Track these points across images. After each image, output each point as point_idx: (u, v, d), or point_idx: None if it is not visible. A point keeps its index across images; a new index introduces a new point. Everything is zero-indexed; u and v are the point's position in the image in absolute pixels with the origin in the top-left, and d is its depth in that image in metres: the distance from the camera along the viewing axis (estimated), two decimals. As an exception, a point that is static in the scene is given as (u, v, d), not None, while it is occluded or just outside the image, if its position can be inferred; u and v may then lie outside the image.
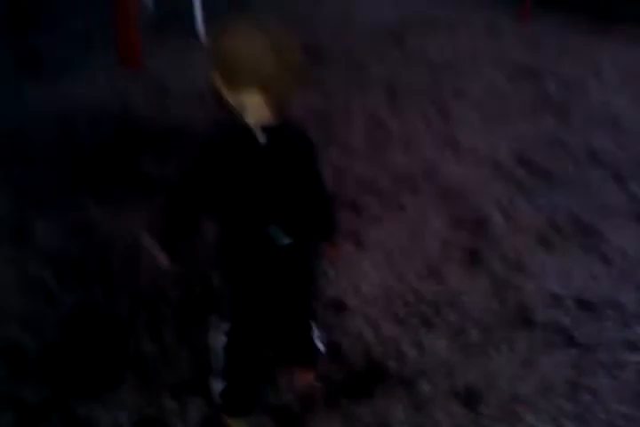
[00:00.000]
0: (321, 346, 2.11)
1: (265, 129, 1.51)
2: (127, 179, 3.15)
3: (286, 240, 1.63)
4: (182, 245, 1.68)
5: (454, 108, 4.11)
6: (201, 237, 1.79)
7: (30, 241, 2.70)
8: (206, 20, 4.89)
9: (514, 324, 2.45)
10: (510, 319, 2.47)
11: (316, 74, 4.45)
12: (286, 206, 1.63)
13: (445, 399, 2.14)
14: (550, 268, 2.77)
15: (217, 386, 1.89)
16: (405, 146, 3.66)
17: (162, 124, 3.65)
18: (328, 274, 2.62)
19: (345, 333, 2.35)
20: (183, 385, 2.10)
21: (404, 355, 2.28)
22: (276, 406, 2.06)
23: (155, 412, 2.01)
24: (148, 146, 3.42)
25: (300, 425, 2.01)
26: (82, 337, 2.24)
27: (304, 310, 1.96)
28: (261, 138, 1.51)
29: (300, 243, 1.68)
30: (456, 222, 3.02)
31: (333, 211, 1.87)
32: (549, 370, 2.26)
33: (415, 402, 2.11)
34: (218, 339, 1.82)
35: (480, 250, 2.85)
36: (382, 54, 4.87)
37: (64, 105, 3.80)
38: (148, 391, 2.08)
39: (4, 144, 3.35)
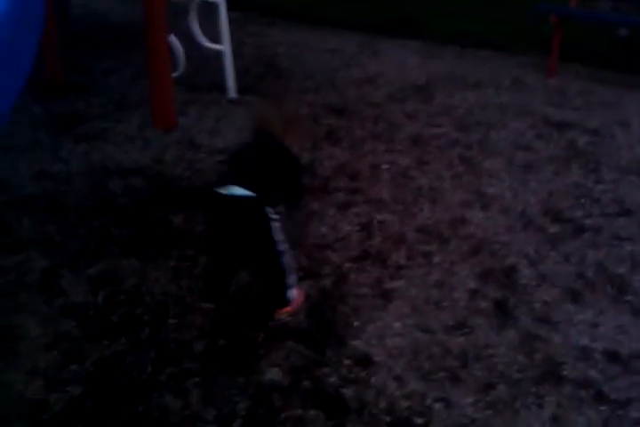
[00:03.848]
0: (292, 293, 2.53)
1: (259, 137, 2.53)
2: (156, 233, 3.13)
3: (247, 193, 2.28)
4: None
5: (482, 161, 4.04)
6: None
7: (58, 293, 2.67)
8: (236, 76, 4.97)
9: (542, 378, 2.31)
10: (539, 374, 2.33)
11: (345, 131, 4.44)
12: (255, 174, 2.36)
13: (472, 458, 2.01)
14: (578, 320, 2.63)
15: None
16: (433, 198, 3.58)
17: (192, 182, 3.65)
18: (352, 325, 2.55)
19: (370, 387, 2.25)
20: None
21: (431, 411, 2.17)
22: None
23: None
24: (178, 203, 3.41)
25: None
26: (106, 392, 2.18)
27: (268, 260, 2.44)
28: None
29: (262, 198, 2.31)
30: (483, 273, 2.92)
31: (302, 183, 2.60)
32: (580, 428, 2.12)
33: (441, 460, 1.99)
34: None
35: (508, 301, 2.73)
36: (409, 110, 4.85)
37: (99, 163, 3.84)
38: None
39: (41, 200, 3.37)
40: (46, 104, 4.66)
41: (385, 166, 3.96)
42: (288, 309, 2.56)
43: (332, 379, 2.27)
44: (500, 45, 6.47)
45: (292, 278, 2.54)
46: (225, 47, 4.93)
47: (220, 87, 5.00)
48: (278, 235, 2.40)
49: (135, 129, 4.36)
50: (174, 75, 4.83)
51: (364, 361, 2.36)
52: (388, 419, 2.12)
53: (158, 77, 4.30)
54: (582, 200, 3.59)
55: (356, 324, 2.56)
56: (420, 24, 7.12)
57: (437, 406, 2.18)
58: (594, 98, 5.24)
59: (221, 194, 2.30)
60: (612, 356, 2.44)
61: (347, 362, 2.35)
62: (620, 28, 6.53)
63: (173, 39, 4.86)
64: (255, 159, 2.44)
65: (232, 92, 4.99)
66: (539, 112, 4.88)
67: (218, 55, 4.96)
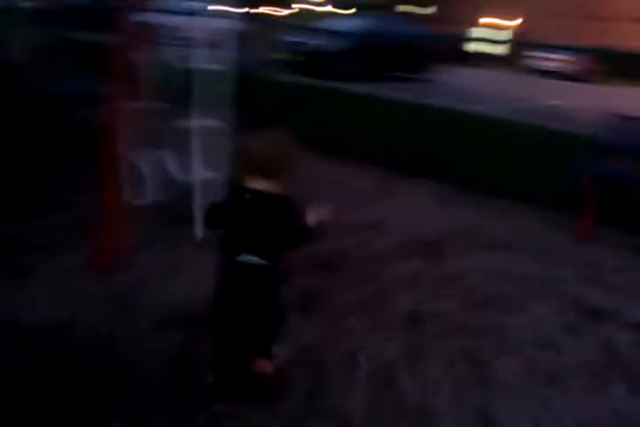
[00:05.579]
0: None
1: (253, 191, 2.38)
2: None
3: (260, 262, 2.36)
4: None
5: (491, 362, 2.98)
6: None
7: None
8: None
9: None
10: None
11: (323, 295, 3.45)
12: (260, 238, 2.38)
13: None
14: None
15: None
16: (419, 421, 2.53)
17: (108, 361, 2.67)
18: None
19: None
20: None
21: None
22: None
23: None
24: (82, 393, 2.44)
25: None
26: None
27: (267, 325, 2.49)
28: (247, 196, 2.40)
29: (272, 267, 2.39)
30: None
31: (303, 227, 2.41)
32: None
33: None
34: None
35: None
36: (410, 273, 3.87)
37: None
38: None
39: None
40: None
41: (362, 358, 2.93)
42: (269, 365, 2.55)
43: None
44: (526, 198, 5.53)
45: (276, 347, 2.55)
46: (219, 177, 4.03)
47: (187, 222, 4.06)
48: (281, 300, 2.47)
49: (67, 270, 3.42)
50: (139, 201, 4.00)
51: None
52: None
53: (106, 202, 3.44)
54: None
55: None
56: (442, 165, 6.25)
57: None
58: (637, 276, 4.21)
59: (241, 263, 2.35)
60: None
61: None
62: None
63: (140, 160, 4.06)
64: (258, 223, 2.39)
65: (199, 228, 4.04)
66: (568, 291, 3.84)
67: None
